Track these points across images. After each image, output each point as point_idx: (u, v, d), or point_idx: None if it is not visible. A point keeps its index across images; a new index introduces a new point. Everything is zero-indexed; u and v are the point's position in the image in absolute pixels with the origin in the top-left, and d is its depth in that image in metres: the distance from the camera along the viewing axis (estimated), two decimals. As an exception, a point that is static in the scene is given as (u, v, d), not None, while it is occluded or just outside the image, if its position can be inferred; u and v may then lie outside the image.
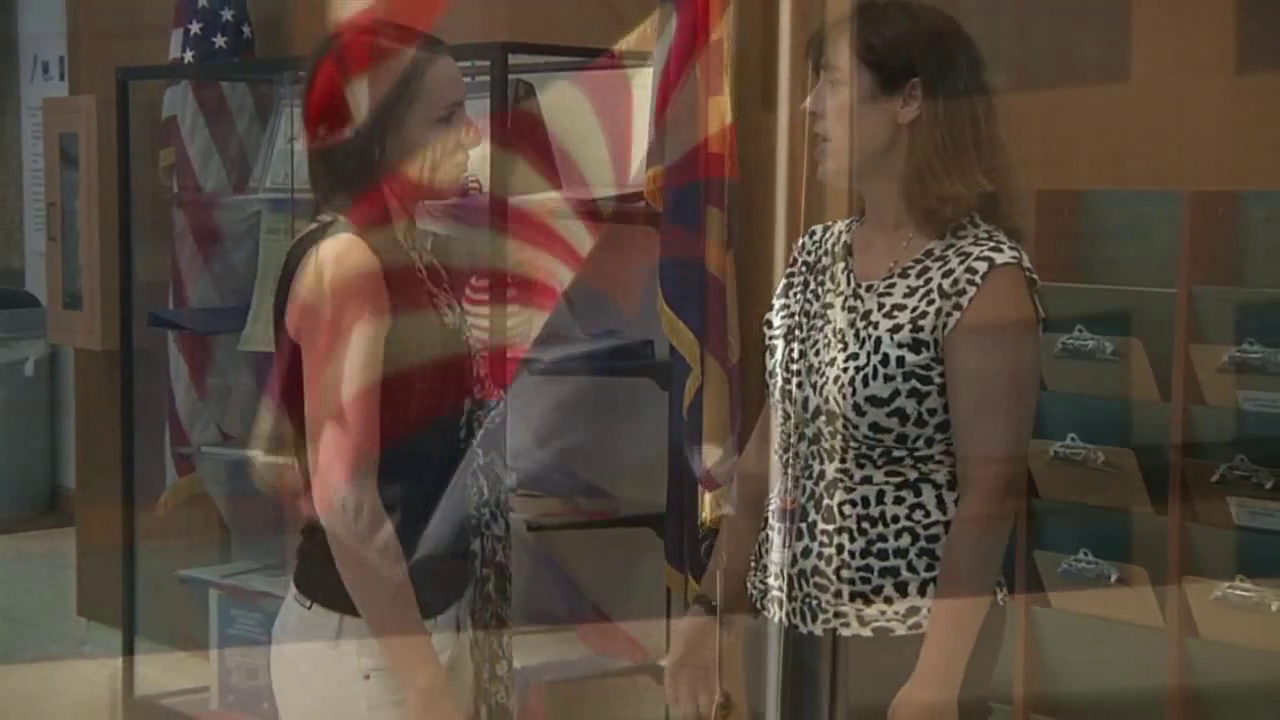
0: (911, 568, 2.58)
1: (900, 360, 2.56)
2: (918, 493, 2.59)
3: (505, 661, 2.83)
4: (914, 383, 2.56)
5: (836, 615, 2.60)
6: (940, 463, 2.59)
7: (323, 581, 2.67)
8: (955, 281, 2.56)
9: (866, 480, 2.60)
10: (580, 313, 4.30)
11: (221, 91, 5.18)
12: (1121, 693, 3.30)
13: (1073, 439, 3.30)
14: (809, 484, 2.64)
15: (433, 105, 2.69)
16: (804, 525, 2.63)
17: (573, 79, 4.27)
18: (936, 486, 2.59)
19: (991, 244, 2.59)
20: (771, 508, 2.72)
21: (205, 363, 5.21)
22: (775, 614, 2.67)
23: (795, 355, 2.67)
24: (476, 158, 2.88)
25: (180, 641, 5.31)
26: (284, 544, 4.68)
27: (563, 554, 4.37)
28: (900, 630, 2.58)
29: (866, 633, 2.59)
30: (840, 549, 2.60)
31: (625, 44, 3.98)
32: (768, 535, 2.73)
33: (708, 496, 3.72)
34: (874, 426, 2.57)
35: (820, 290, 2.70)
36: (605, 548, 4.31)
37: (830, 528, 2.61)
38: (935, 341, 2.56)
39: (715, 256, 3.72)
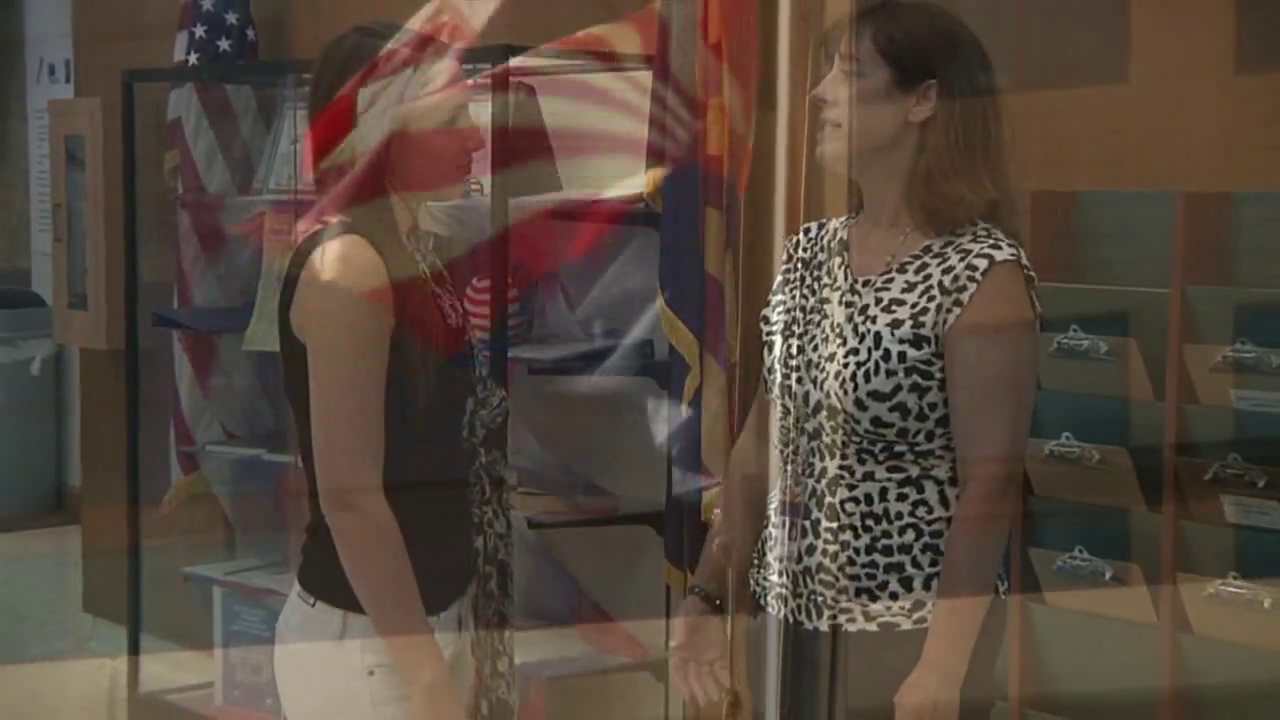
0: (916, 563, 2.59)
1: (901, 355, 2.56)
2: (920, 489, 2.60)
3: (506, 658, 2.83)
4: (915, 378, 2.56)
5: (842, 611, 2.60)
6: (941, 458, 2.59)
7: (327, 579, 2.67)
8: (955, 278, 2.56)
9: (869, 477, 2.60)
10: (581, 313, 4.31)
11: (225, 94, 5.18)
12: (1116, 689, 3.30)
13: (1068, 438, 3.30)
14: (811, 481, 2.64)
15: (436, 108, 2.69)
16: (807, 522, 2.63)
17: (573, 81, 4.27)
18: (939, 482, 2.60)
19: (991, 241, 2.59)
20: (773, 504, 2.72)
21: (209, 362, 5.21)
22: (780, 610, 2.68)
23: (794, 351, 2.67)
24: (478, 159, 2.88)
25: (185, 638, 5.31)
26: (288, 542, 4.69)
27: (563, 552, 4.37)
28: (906, 625, 2.58)
29: (872, 628, 2.59)
30: (845, 545, 2.60)
31: (625, 46, 3.98)
32: (770, 532, 2.73)
33: (706, 494, 3.72)
34: (875, 421, 2.57)
35: (817, 285, 2.70)
36: (605, 545, 4.31)
37: (834, 524, 2.61)
38: (936, 337, 2.56)
39: (714, 257, 3.72)
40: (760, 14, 3.75)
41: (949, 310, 2.55)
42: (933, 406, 2.57)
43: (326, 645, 2.68)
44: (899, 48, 2.60)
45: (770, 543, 2.73)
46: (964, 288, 2.55)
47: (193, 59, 5.17)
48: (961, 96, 2.60)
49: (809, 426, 2.64)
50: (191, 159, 5.17)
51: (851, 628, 2.59)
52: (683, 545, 3.77)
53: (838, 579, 2.60)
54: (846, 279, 2.66)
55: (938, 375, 2.56)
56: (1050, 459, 3.31)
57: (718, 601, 2.82)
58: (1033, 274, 2.61)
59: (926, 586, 2.58)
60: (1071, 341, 3.31)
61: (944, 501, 2.59)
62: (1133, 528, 3.26)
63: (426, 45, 2.72)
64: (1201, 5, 3.37)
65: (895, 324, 2.58)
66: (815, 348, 2.65)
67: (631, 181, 3.97)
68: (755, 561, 2.78)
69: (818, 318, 2.66)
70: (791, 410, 2.66)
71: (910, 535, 2.59)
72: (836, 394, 2.58)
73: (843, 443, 2.60)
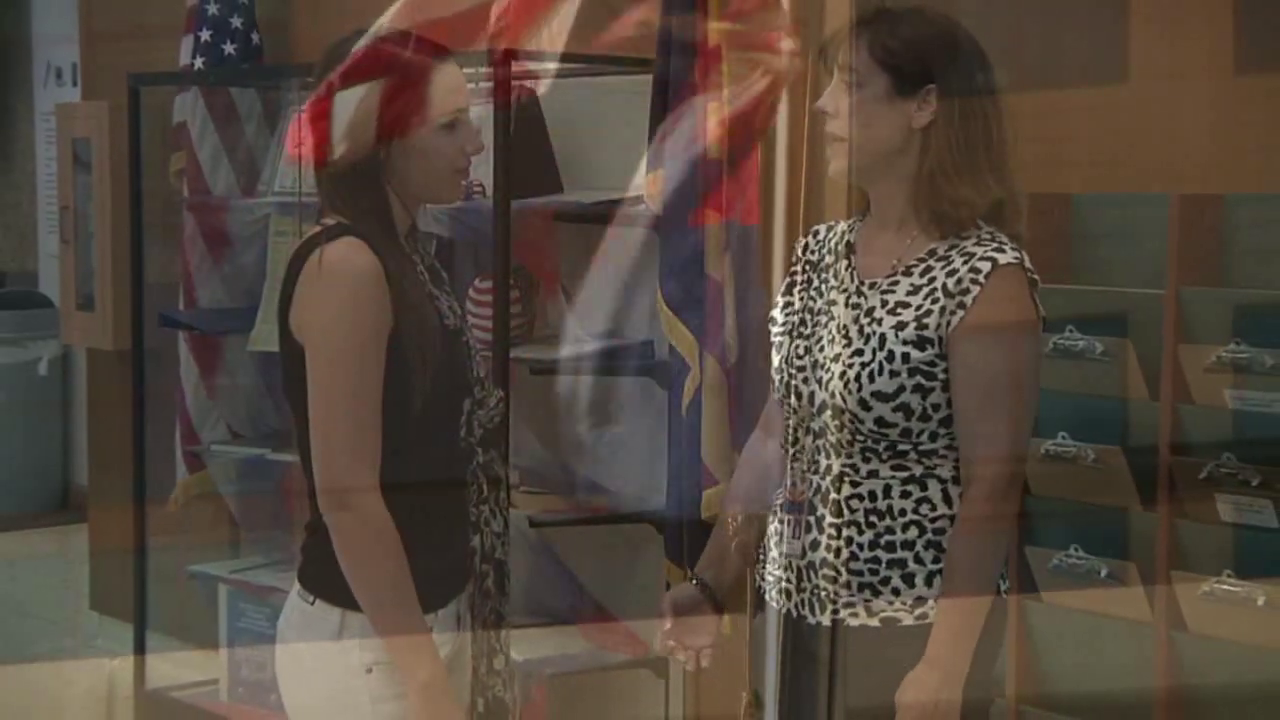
0: (919, 560, 2.59)
1: (905, 356, 2.57)
2: (924, 487, 2.60)
3: (503, 656, 2.83)
4: (919, 378, 2.57)
5: (844, 606, 2.61)
6: (944, 457, 2.60)
7: (325, 577, 2.67)
8: (959, 280, 2.57)
9: (873, 474, 2.61)
10: (581, 313, 4.30)
11: (230, 97, 5.18)
12: (1111, 687, 3.30)
13: (1064, 437, 3.30)
14: (815, 478, 2.64)
15: (437, 112, 2.69)
16: (812, 519, 2.64)
17: (574, 84, 4.27)
18: (942, 481, 2.60)
19: (994, 244, 2.60)
20: (778, 501, 2.73)
21: (215, 362, 5.20)
22: (783, 605, 2.68)
23: (800, 352, 2.68)
24: (479, 162, 2.87)
25: (190, 636, 5.31)
26: (292, 540, 4.69)
27: (564, 550, 4.37)
28: (908, 620, 2.59)
29: (874, 623, 2.60)
30: (849, 542, 2.61)
31: (626, 49, 3.98)
32: (775, 528, 2.73)
33: (706, 493, 3.72)
34: (879, 421, 2.58)
35: (823, 288, 2.71)
36: (606, 544, 4.30)
37: (838, 521, 2.61)
38: (940, 339, 2.57)
39: (714, 258, 3.72)
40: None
41: (953, 312, 2.56)
42: (936, 407, 2.57)
43: (325, 643, 2.68)
44: (897, 56, 2.60)
45: (774, 538, 2.73)
46: (967, 290, 2.56)
47: (198, 63, 5.17)
48: (961, 98, 2.60)
49: (814, 426, 2.64)
50: (197, 161, 5.17)
51: (854, 622, 2.60)
52: (682, 544, 3.77)
53: (841, 574, 2.61)
54: (852, 281, 2.67)
55: (941, 376, 2.57)
56: (1046, 458, 3.30)
57: (717, 596, 2.82)
58: (1035, 277, 2.62)
59: (929, 583, 2.59)
60: (1067, 342, 3.30)
61: (947, 499, 2.60)
62: (1128, 526, 3.26)
63: (425, 48, 2.72)
64: (1200, 6, 3.36)
65: (900, 326, 2.58)
66: (821, 349, 2.65)
67: (632, 183, 3.97)
68: (760, 557, 2.78)
69: (824, 319, 2.67)
70: (797, 410, 2.67)
71: (913, 532, 2.59)
72: (841, 394, 2.59)
73: (847, 441, 2.60)
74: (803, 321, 2.71)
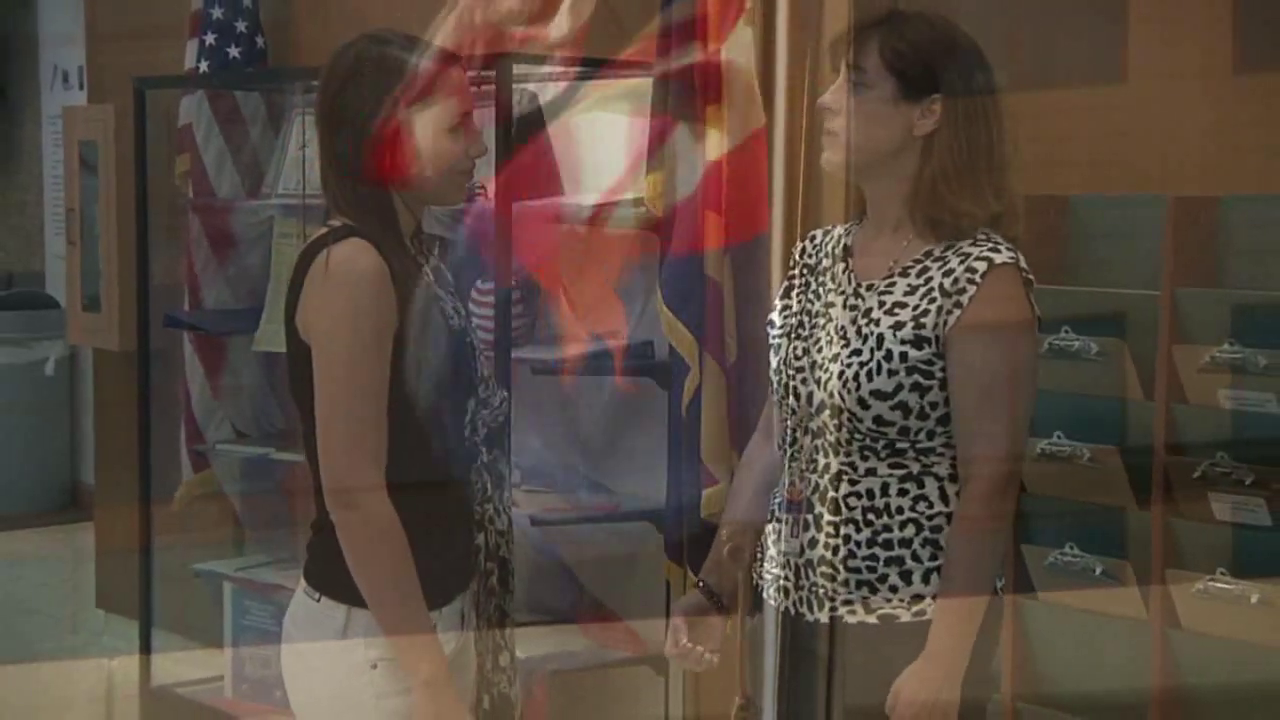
0: (916, 557, 2.59)
1: (903, 355, 2.57)
2: (921, 485, 2.60)
3: (507, 652, 2.83)
4: (916, 377, 2.57)
5: (842, 603, 2.61)
6: (942, 455, 2.60)
7: (331, 575, 2.67)
8: (955, 280, 2.57)
9: (871, 473, 2.61)
10: (582, 314, 4.30)
11: (235, 100, 5.18)
12: (1107, 683, 3.30)
13: (1059, 436, 3.30)
14: (814, 477, 2.64)
15: (441, 115, 2.69)
16: (810, 517, 2.64)
17: (575, 88, 4.27)
18: (939, 479, 2.60)
19: (990, 245, 2.60)
20: (777, 500, 2.73)
21: (220, 363, 5.21)
22: (781, 602, 2.69)
23: (798, 353, 2.68)
24: (482, 164, 2.88)
25: (195, 633, 5.31)
26: (296, 538, 4.69)
27: (565, 548, 4.37)
28: (905, 617, 2.59)
29: (872, 619, 2.60)
30: (846, 539, 2.61)
31: (627, 53, 3.98)
32: (774, 527, 2.73)
33: (706, 493, 3.72)
34: (877, 419, 2.58)
35: (821, 290, 2.71)
36: (607, 543, 4.30)
37: (836, 519, 2.61)
38: (936, 338, 2.57)
39: (713, 259, 3.72)
40: (759, 24, 3.75)
41: (949, 311, 2.56)
42: (933, 405, 2.57)
43: (330, 639, 2.68)
44: (906, 61, 2.59)
45: (772, 537, 2.73)
46: (964, 289, 2.56)
47: (203, 66, 5.17)
48: (966, 110, 2.60)
49: (813, 425, 2.64)
50: (202, 164, 5.17)
51: (851, 619, 2.60)
52: (682, 542, 3.77)
53: (838, 572, 2.61)
54: (850, 283, 2.67)
55: (938, 375, 2.57)
56: (1042, 457, 3.30)
57: (721, 600, 2.82)
58: (1031, 277, 2.62)
59: (926, 580, 2.58)
60: (1063, 342, 3.30)
61: (944, 497, 2.60)
62: (1123, 525, 3.26)
63: (429, 51, 2.72)
64: (1197, 8, 3.36)
65: (897, 325, 2.59)
66: (819, 349, 2.65)
67: (632, 186, 3.97)
68: (758, 555, 2.78)
69: (822, 321, 2.67)
70: (796, 410, 2.67)
71: (911, 530, 2.59)
72: (840, 393, 2.59)
73: (845, 440, 2.60)
74: (800, 324, 2.71)
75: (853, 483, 2.61)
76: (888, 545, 2.60)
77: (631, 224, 4.01)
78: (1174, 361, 3.19)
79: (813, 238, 2.79)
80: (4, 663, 5.71)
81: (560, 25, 3.84)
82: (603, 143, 4.26)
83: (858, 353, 2.60)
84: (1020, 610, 3.37)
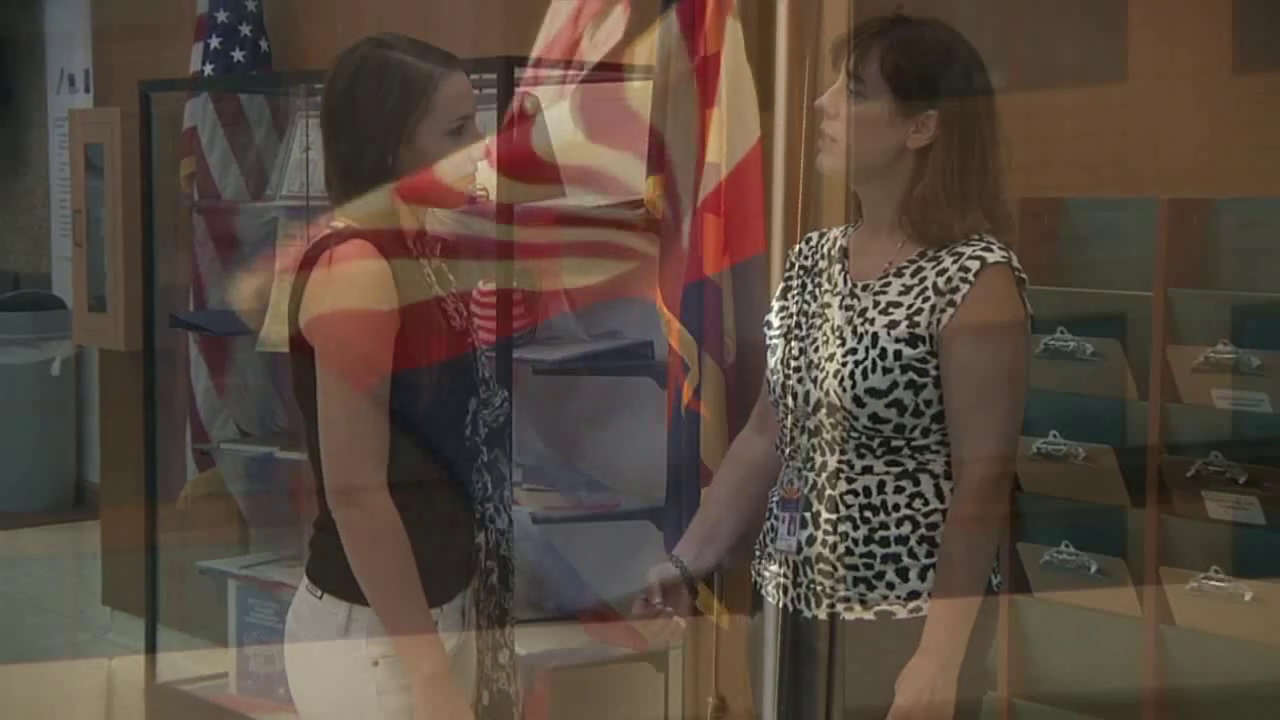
0: (912, 554, 2.59)
1: (898, 354, 2.57)
2: (916, 482, 2.60)
3: (507, 650, 2.83)
4: (911, 375, 2.57)
5: (840, 600, 2.61)
6: (936, 452, 2.60)
7: (333, 572, 2.67)
8: (949, 279, 2.57)
9: (867, 470, 2.61)
10: (582, 314, 4.30)
11: (240, 103, 5.18)
12: (1101, 679, 3.30)
13: (1055, 436, 3.30)
14: (811, 475, 2.65)
15: (444, 118, 2.69)
16: (807, 515, 2.64)
17: (576, 90, 4.26)
18: (934, 476, 2.61)
19: (983, 245, 2.60)
20: (775, 498, 2.73)
21: (224, 363, 5.21)
22: (779, 600, 2.69)
23: (795, 353, 2.68)
24: (484, 167, 2.88)
25: (200, 630, 5.31)
26: (299, 536, 4.69)
27: (566, 547, 4.37)
28: (901, 614, 2.59)
29: (869, 616, 2.60)
30: (844, 537, 2.61)
31: (628, 56, 3.98)
32: (771, 525, 2.74)
33: (705, 491, 3.71)
34: (873, 417, 2.58)
35: (818, 291, 2.71)
36: (607, 541, 4.30)
37: (833, 517, 2.62)
38: (931, 336, 2.57)
39: (712, 261, 3.72)
40: (758, 22, 3.74)
41: (943, 310, 2.56)
42: (928, 403, 2.58)
43: (333, 636, 2.68)
44: (903, 76, 2.59)
45: (770, 535, 2.73)
46: (957, 288, 2.56)
47: (208, 69, 5.18)
48: (961, 127, 2.59)
49: (810, 424, 2.65)
50: (207, 166, 5.17)
51: (849, 616, 2.61)
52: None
53: (836, 569, 2.61)
54: (846, 284, 2.67)
55: (933, 373, 2.57)
56: (1038, 456, 3.30)
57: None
58: (1024, 276, 2.62)
59: (922, 577, 2.59)
60: (1058, 342, 3.30)
61: (939, 494, 2.60)
62: (1118, 523, 3.26)
63: (433, 55, 2.72)
64: (1193, 9, 3.36)
65: (892, 324, 2.59)
66: (816, 349, 2.66)
67: (633, 188, 3.97)
68: (756, 553, 2.79)
69: (819, 321, 2.68)
70: (792, 409, 2.67)
71: (907, 527, 2.60)
72: (836, 391, 2.59)
73: (842, 438, 2.60)
74: (798, 324, 2.71)
75: (849, 480, 2.61)
76: (884, 542, 2.60)
77: (632, 225, 4.01)
78: (1168, 361, 3.19)
79: (809, 240, 2.80)
80: (11, 659, 5.72)
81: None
82: (603, 145, 4.26)
83: (854, 351, 2.60)
84: (1016, 607, 3.37)
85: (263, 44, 5.21)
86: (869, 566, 2.61)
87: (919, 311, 2.58)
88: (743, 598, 2.86)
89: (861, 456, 2.61)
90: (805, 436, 2.66)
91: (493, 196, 4.00)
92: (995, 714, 3.37)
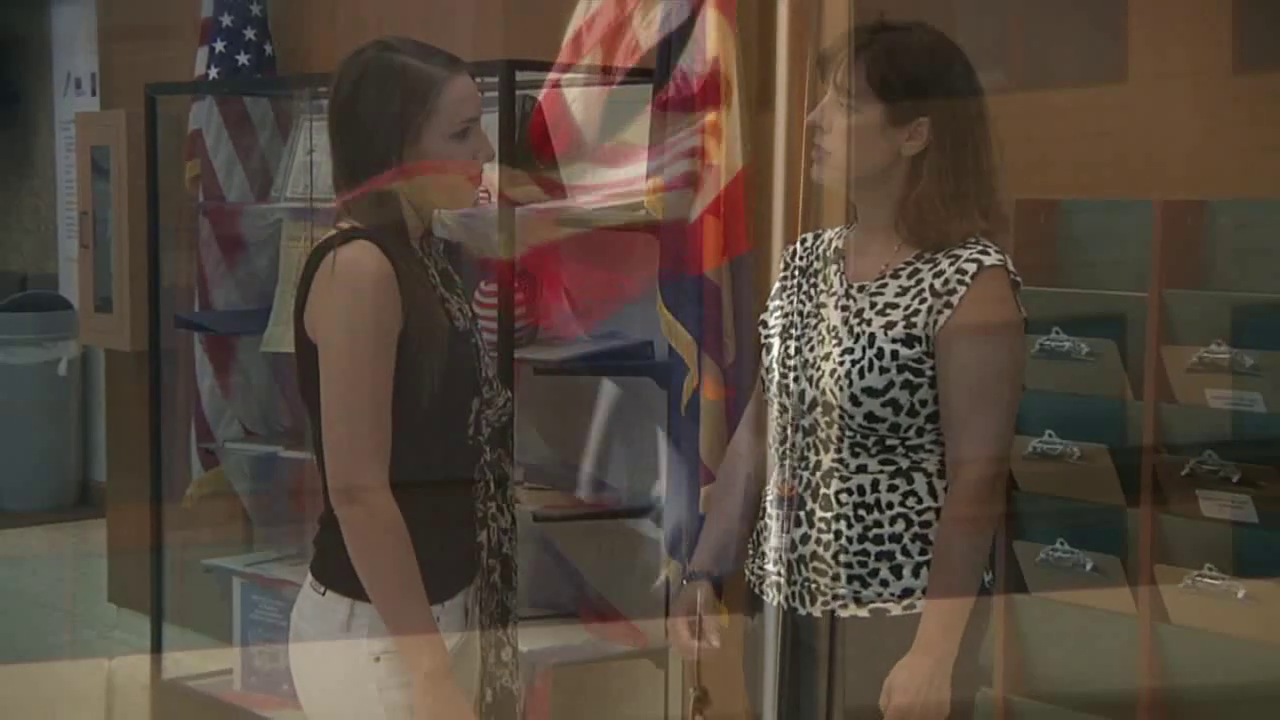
0: (906, 552, 2.60)
1: (894, 354, 2.58)
2: (910, 480, 2.61)
3: (510, 647, 2.83)
4: (907, 375, 2.57)
5: (835, 597, 2.61)
6: (931, 451, 2.60)
7: (336, 569, 2.67)
8: (946, 281, 2.57)
9: (862, 469, 2.61)
10: (583, 314, 4.30)
11: (244, 106, 5.18)
12: (1096, 676, 3.30)
13: (1050, 435, 3.30)
14: (806, 474, 2.65)
15: (449, 121, 2.69)
16: (802, 513, 2.64)
17: (576, 93, 4.26)
18: (928, 474, 2.61)
19: (979, 247, 2.61)
20: (769, 497, 2.73)
21: (229, 363, 5.21)
22: (774, 598, 2.68)
23: (791, 352, 2.68)
24: (487, 169, 2.88)
25: (205, 627, 5.31)
26: (303, 534, 4.69)
27: (567, 545, 4.37)
28: (896, 611, 2.59)
29: (864, 613, 2.60)
30: (838, 535, 2.61)
31: (628, 58, 3.98)
32: (766, 523, 2.74)
33: (705, 490, 3.72)
34: (869, 416, 2.58)
35: (813, 292, 2.71)
36: (608, 539, 4.31)
37: (828, 515, 2.62)
38: (927, 337, 2.58)
39: (712, 262, 3.72)
40: (758, 25, 3.75)
41: (939, 311, 2.56)
42: (923, 403, 2.58)
43: (335, 632, 2.68)
44: (893, 86, 2.59)
45: (765, 533, 2.73)
46: (954, 290, 2.56)
47: (213, 73, 5.17)
48: (953, 130, 2.59)
49: (805, 423, 2.65)
50: (212, 168, 5.17)
51: (844, 614, 2.61)
52: (682, 539, 3.77)
53: (831, 566, 2.61)
54: (842, 285, 2.67)
55: (928, 373, 2.58)
56: (1034, 456, 3.30)
57: (721, 586, 2.81)
58: (1019, 279, 2.62)
59: (915, 574, 2.59)
60: (1054, 343, 3.30)
61: (933, 493, 2.60)
62: (1113, 522, 3.26)
63: (438, 59, 2.72)
64: (1190, 11, 3.35)
65: (889, 325, 2.59)
66: (811, 349, 2.66)
67: (633, 190, 3.97)
68: (750, 551, 2.78)
69: (814, 321, 2.68)
70: (788, 408, 2.67)
71: (901, 525, 2.60)
72: (832, 390, 2.59)
73: (837, 437, 2.60)
74: (793, 324, 2.71)
75: (844, 479, 2.61)
76: (878, 540, 2.60)
77: (632, 227, 4.01)
78: (1162, 362, 3.19)
79: (804, 241, 2.79)
80: (18, 657, 5.72)
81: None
82: (604, 147, 4.26)
83: (850, 351, 2.60)
84: (1013, 605, 3.37)
85: (267, 48, 5.21)
86: (863, 564, 2.61)
87: (916, 313, 2.59)
88: (738, 595, 2.85)
89: (856, 455, 2.61)
90: (800, 435, 2.66)
91: (494, 198, 4.00)
92: (992, 711, 3.37)
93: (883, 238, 2.66)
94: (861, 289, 2.65)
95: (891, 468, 2.61)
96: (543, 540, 4.26)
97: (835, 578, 2.61)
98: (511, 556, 2.83)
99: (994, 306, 2.57)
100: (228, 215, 5.18)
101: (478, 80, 2.79)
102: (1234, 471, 3.08)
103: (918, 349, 2.58)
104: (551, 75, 3.98)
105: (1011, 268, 2.61)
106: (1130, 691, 3.23)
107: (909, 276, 2.62)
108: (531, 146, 4.05)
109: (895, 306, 2.60)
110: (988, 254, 2.59)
